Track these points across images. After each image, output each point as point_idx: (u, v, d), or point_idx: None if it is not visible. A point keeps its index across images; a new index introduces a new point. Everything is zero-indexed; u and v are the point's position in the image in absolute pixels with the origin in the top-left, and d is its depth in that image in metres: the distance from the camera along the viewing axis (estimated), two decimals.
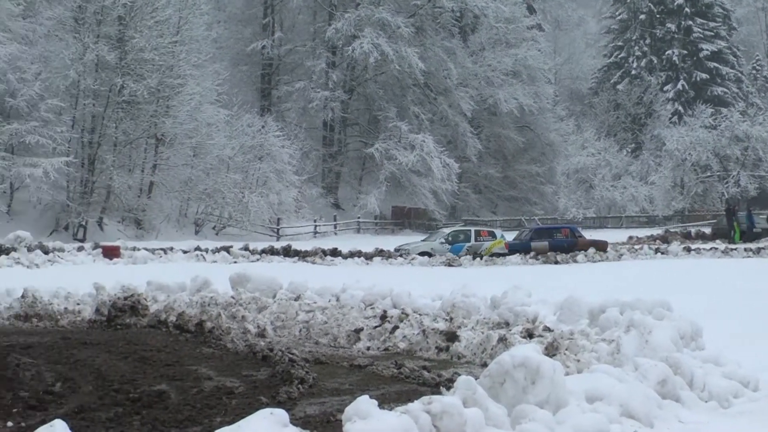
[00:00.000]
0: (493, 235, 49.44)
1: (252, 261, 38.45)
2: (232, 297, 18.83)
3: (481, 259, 44.01)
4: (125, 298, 19.08)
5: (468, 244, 47.62)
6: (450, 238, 48.37)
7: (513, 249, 45.35)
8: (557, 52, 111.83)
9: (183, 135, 63.34)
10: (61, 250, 39.60)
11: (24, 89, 56.20)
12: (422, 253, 44.97)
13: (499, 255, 45.81)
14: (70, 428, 6.73)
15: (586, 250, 43.70)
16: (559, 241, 46.48)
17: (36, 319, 19.07)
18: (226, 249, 42.16)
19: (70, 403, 11.68)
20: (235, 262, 37.04)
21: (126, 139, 62.08)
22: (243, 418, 7.06)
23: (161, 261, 36.66)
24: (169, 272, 25.37)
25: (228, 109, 68.91)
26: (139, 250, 39.68)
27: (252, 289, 19.68)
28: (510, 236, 50.77)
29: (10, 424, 10.59)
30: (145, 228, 61.62)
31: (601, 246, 45.62)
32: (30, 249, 36.95)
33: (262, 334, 16.61)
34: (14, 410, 11.20)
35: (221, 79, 68.61)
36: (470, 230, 50.98)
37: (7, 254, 34.78)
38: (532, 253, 43.67)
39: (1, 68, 54.41)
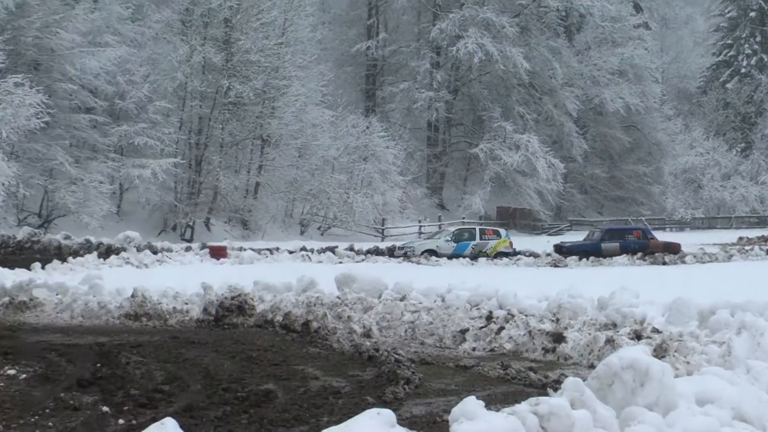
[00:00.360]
0: (498, 234, 48.55)
1: (357, 261, 38.59)
2: (338, 297, 18.89)
3: (487, 258, 43.56)
4: (232, 298, 19.25)
5: (473, 243, 46.79)
6: (454, 237, 47.50)
7: (582, 250, 44.45)
8: (664, 51, 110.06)
9: (288, 136, 63.77)
10: (170, 250, 40.16)
11: (133, 91, 57.09)
12: (427, 251, 44.37)
13: (504, 254, 45.32)
14: (180, 426, 6.77)
15: (658, 252, 42.92)
16: (630, 243, 45.50)
17: (145, 318, 19.33)
18: (332, 249, 42.39)
19: (179, 402, 11.81)
20: (341, 263, 37.19)
21: (232, 140, 62.72)
22: (350, 417, 7.04)
23: (267, 261, 36.96)
24: (275, 272, 25.56)
25: (333, 110, 69.16)
26: (245, 250, 40.07)
27: (357, 289, 19.71)
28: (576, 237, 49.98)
29: (121, 421, 10.75)
30: (251, 228, 62.17)
31: (673, 248, 44.59)
32: (139, 249, 37.53)
33: (367, 335, 16.62)
34: (125, 408, 11.37)
35: (326, 80, 68.88)
36: (475, 228, 50.10)
37: (117, 254, 35.36)
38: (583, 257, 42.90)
39: (111, 71, 55.33)
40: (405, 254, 43.18)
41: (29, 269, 26.33)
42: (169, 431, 6.50)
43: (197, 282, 20.90)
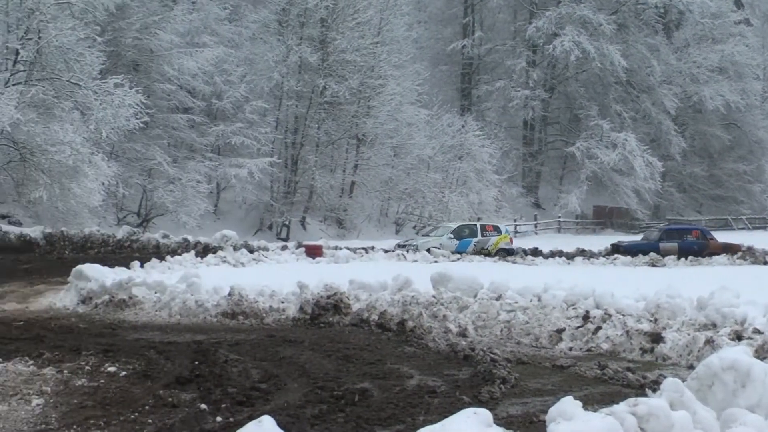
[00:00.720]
0: (498, 230, 47.57)
1: (452, 260, 38.46)
2: (434, 296, 18.84)
3: (489, 255, 42.89)
4: (328, 297, 19.32)
5: (475, 240, 46.00)
6: (456, 234, 46.62)
7: (639, 250, 43.61)
8: (766, 48, 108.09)
9: (384, 135, 63.90)
10: (266, 249, 40.46)
11: (230, 91, 57.65)
12: (432, 249, 43.73)
13: (505, 251, 44.58)
14: (277, 424, 6.79)
15: (717, 254, 42.01)
16: (689, 243, 44.62)
17: (242, 316, 19.49)
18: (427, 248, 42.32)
19: (276, 400, 11.87)
20: (436, 262, 37.12)
21: (328, 140, 63.01)
22: (446, 417, 7.00)
23: (362, 260, 37.04)
24: (371, 271, 25.59)
25: (428, 108, 69.16)
26: (341, 249, 40.20)
27: (453, 288, 19.65)
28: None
29: (219, 419, 10.84)
30: (347, 227, 62.43)
31: (733, 249, 43.54)
32: (236, 248, 37.83)
33: (463, 334, 16.56)
34: (223, 405, 11.47)
35: (421, 79, 68.86)
36: (476, 225, 49.03)
37: (214, 253, 35.68)
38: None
39: (209, 71, 55.92)
40: (408, 251, 42.37)
41: (128, 268, 26.69)
42: (267, 429, 6.52)
43: (293, 281, 21.00)
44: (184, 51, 54.78)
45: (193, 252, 35.26)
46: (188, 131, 57.25)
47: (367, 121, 62.38)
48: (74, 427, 10.52)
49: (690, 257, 41.31)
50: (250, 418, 9.62)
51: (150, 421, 10.84)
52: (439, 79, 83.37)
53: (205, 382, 12.92)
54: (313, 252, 38.19)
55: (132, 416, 11.03)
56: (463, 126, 71.00)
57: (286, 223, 59.85)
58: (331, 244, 44.59)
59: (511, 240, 47.50)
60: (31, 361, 14.37)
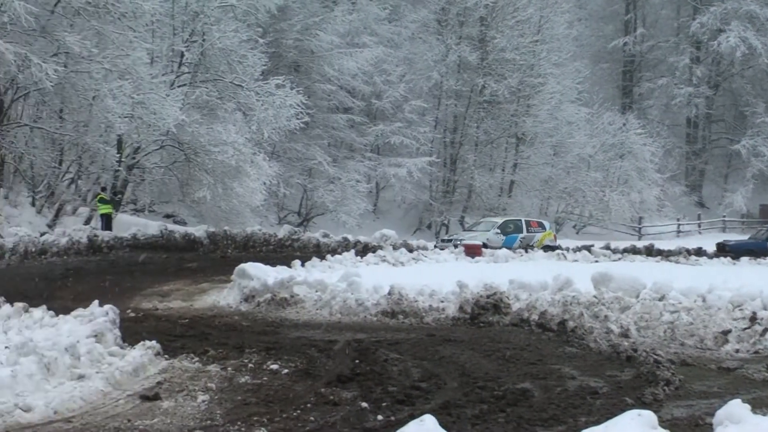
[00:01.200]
0: (542, 227, 45.96)
1: (613, 260, 37.88)
2: (595, 296, 18.58)
3: (534, 251, 41.35)
4: (488, 296, 19.24)
5: (521, 235, 44.48)
6: (502, 229, 45.02)
7: (747, 249, 41.81)
8: None
9: (543, 134, 63.47)
10: (425, 248, 40.47)
11: (389, 91, 57.98)
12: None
13: (550, 247, 42.97)
14: (438, 424, 6.76)
15: None
16: None
17: (402, 315, 19.53)
18: (587, 248, 41.79)
19: (436, 399, 11.87)
20: (597, 261, 36.61)
21: (487, 139, 62.84)
22: (608, 418, 6.89)
23: (522, 260, 36.76)
24: (530, 271, 25.41)
25: (588, 107, 68.39)
26: (500, 248, 40.00)
27: (615, 288, 19.34)
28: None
29: (380, 417, 10.87)
30: None
31: None
32: (395, 247, 37.95)
33: (625, 335, 16.29)
34: (383, 404, 11.51)
35: (582, 77, 68.08)
36: (521, 221, 47.19)
37: (374, 252, 35.84)
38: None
39: (368, 71, 56.32)
40: (455, 246, 41.18)
41: (290, 266, 26.99)
42: (429, 428, 6.51)
43: (453, 280, 20.97)
44: (344, 51, 55.31)
45: (353, 251, 35.50)
46: (348, 131, 57.79)
47: (527, 119, 62.00)
48: (238, 423, 10.69)
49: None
50: (411, 417, 9.62)
51: (312, 418, 10.95)
52: (599, 76, 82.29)
53: (366, 380, 12.99)
54: (473, 251, 38.03)
55: (294, 414, 11.15)
56: (624, 124, 70.00)
57: (445, 222, 59.93)
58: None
59: (555, 237, 46.51)
60: (197, 358, 14.67)
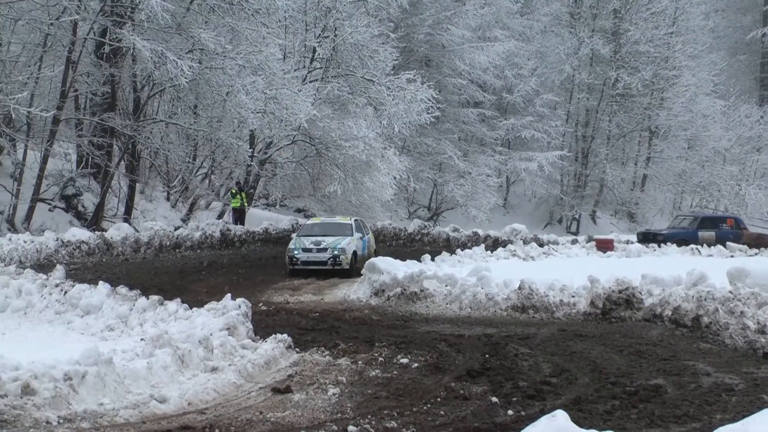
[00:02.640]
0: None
1: (750, 255, 37.07)
2: (730, 292, 18.15)
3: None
4: (620, 291, 19.00)
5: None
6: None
7: (679, 238, 40.26)
8: None
9: (677, 127, 62.45)
10: (556, 242, 40.20)
11: (520, 85, 57.70)
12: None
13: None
14: (570, 419, 6.68)
15: (750, 244, 38.41)
16: (725, 233, 41.36)
17: (532, 310, 19.40)
18: (722, 242, 41.00)
19: (567, 394, 11.75)
20: (732, 256, 35.85)
21: (619, 132, 62.13)
22: (744, 416, 6.72)
23: (654, 254, 36.20)
24: (663, 266, 24.99)
25: (724, 99, 67.07)
26: (632, 243, 39.47)
27: (751, 284, 18.87)
28: None
29: (510, 412, 10.82)
30: (638, 221, 61.43)
31: (763, 241, 39.82)
32: (525, 241, 37.79)
33: (762, 331, 15.88)
34: (513, 399, 11.45)
35: (718, 69, 66.78)
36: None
37: (504, 246, 35.71)
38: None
39: (499, 65, 56.13)
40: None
41: (420, 261, 27.02)
42: (561, 424, 6.43)
43: (584, 275, 20.75)
44: (475, 45, 55.21)
45: (482, 245, 35.41)
46: (478, 125, 57.68)
47: (660, 113, 61.10)
48: (369, 416, 10.72)
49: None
50: (542, 412, 9.55)
51: (442, 413, 10.93)
52: (736, 68, 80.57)
53: (496, 375, 12.93)
54: (604, 246, 37.62)
55: (424, 408, 11.15)
56: (762, 116, 68.54)
57: (576, 216, 59.42)
58: (623, 237, 43.88)
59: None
60: (327, 352, 14.77)
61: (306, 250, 27.53)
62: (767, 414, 6.33)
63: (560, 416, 6.59)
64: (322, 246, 27.65)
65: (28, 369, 11.27)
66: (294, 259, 27.51)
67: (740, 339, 15.24)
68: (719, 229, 42.62)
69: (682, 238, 41.10)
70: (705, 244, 38.87)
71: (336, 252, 27.44)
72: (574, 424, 6.67)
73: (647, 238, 42.09)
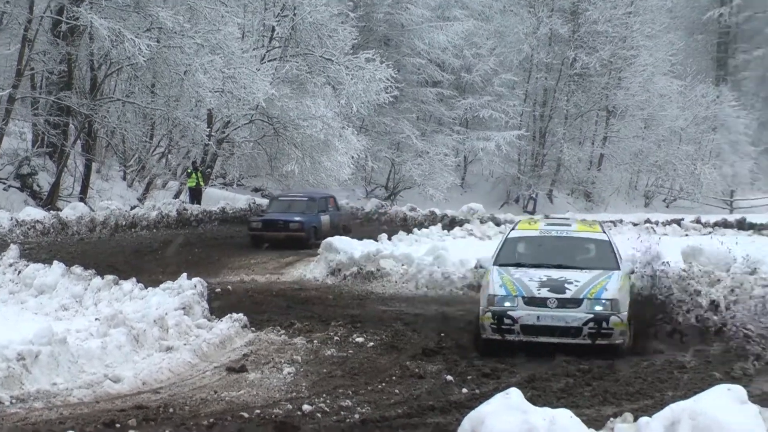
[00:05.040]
0: None
1: (703, 234, 37.34)
2: (684, 270, 18.31)
3: None
4: None
5: None
6: None
7: None
8: None
9: (634, 107, 62.65)
10: (512, 221, 40.28)
11: (479, 64, 57.63)
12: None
13: None
14: (524, 397, 6.73)
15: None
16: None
17: None
18: (677, 221, 41.28)
19: (521, 373, 11.86)
20: (686, 235, 36.15)
21: (576, 112, 62.27)
22: (696, 393, 6.79)
23: (614, 232, 36.43)
24: (619, 245, 25.11)
25: (681, 79, 67.32)
26: None
27: (704, 262, 19.08)
28: None
29: (464, 390, 10.92)
30: (594, 200, 61.69)
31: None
32: (482, 221, 37.84)
33: (714, 309, 16.02)
34: (468, 377, 11.55)
35: (675, 49, 66.93)
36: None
37: (461, 225, 35.79)
38: None
39: (458, 44, 56.03)
40: None
41: (376, 240, 27.03)
42: (514, 401, 6.47)
43: None
44: (434, 25, 55.11)
45: (440, 225, 35.51)
46: (437, 105, 57.65)
47: (618, 92, 61.26)
48: (324, 395, 10.76)
49: None
50: (496, 390, 9.61)
51: (397, 391, 10.99)
52: (693, 48, 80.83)
53: (451, 354, 13.01)
54: None
55: (379, 386, 11.21)
56: (717, 97, 69.00)
57: (533, 196, 59.59)
58: (579, 217, 44.09)
59: None
60: (283, 331, 14.80)
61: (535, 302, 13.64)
62: (717, 391, 6.40)
63: (514, 394, 6.64)
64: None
65: None
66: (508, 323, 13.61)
67: (693, 317, 15.37)
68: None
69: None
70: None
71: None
72: (529, 401, 6.71)
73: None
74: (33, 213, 31.00)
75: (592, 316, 13.11)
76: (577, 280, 13.77)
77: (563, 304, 13.30)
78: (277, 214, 30.94)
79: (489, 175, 59.86)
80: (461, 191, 57.89)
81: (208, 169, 43.54)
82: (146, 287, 16.52)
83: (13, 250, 20.75)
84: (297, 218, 30.05)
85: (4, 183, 36.24)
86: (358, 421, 9.82)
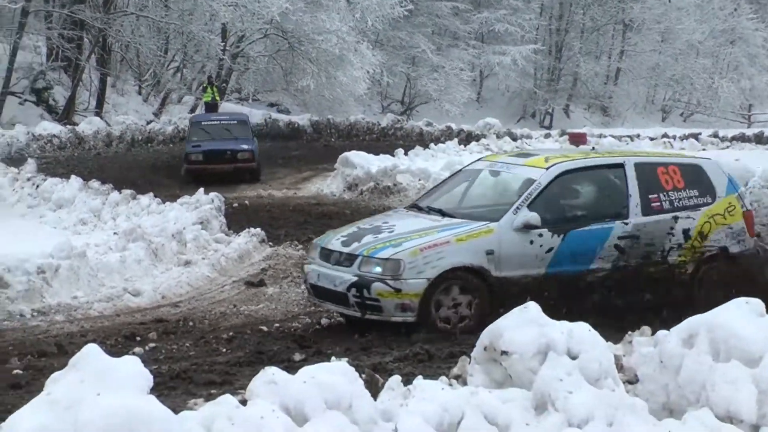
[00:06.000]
0: None
1: (721, 148, 37.27)
2: None
3: None
4: None
5: None
6: None
7: None
8: None
9: (651, 20, 62.03)
10: (529, 137, 40.26)
11: None
12: None
13: None
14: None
15: None
16: None
17: None
18: (695, 136, 41.16)
19: None
20: (704, 149, 36.05)
21: (593, 26, 61.73)
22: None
23: (629, 148, 36.34)
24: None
25: None
26: (605, 137, 39.53)
27: None
28: None
29: None
30: (611, 115, 61.39)
31: None
32: (498, 136, 37.81)
33: None
34: None
35: None
36: None
37: (477, 140, 35.75)
38: None
39: None
40: None
41: (393, 155, 27.02)
42: (532, 315, 6.50)
43: None
44: None
45: (456, 140, 35.44)
46: (452, 18, 57.13)
47: (635, 5, 60.60)
48: None
49: None
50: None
51: None
52: None
53: None
54: (577, 140, 37.67)
55: None
56: (735, 9, 68.16)
57: (549, 110, 59.34)
58: (595, 132, 43.93)
59: None
60: (300, 246, 14.85)
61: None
62: (735, 303, 6.40)
63: (532, 307, 6.66)
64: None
65: (0, 262, 11.30)
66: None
67: None
68: None
69: None
70: None
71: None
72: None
73: None
74: (49, 127, 31.04)
75: (356, 279, 10.25)
76: (407, 231, 10.74)
77: (339, 260, 10.64)
78: (215, 142, 25.94)
79: (505, 90, 59.49)
80: (477, 106, 57.62)
81: (224, 84, 43.36)
82: (164, 202, 16.58)
83: (31, 165, 20.83)
84: (244, 146, 25.59)
85: (20, 97, 36.20)
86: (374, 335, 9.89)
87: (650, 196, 11.18)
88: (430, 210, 11.27)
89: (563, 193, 11.25)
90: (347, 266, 10.33)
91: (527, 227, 10.41)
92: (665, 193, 11.31)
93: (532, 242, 10.47)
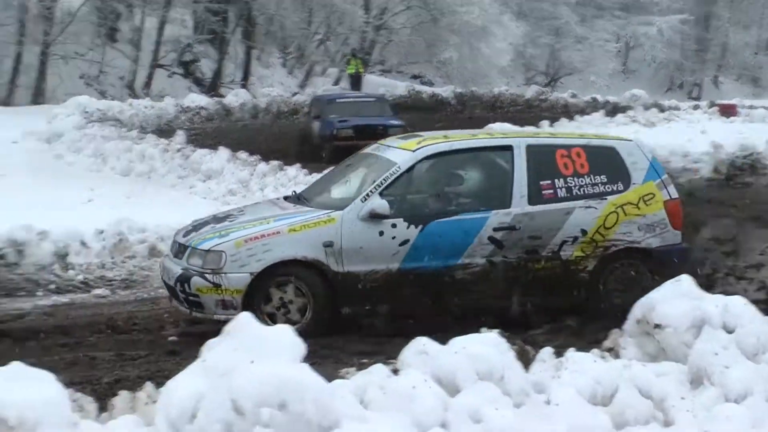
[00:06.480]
0: None
1: None
2: None
3: None
4: (744, 157, 18.63)
5: None
6: None
7: None
8: None
9: None
10: (677, 108, 39.53)
11: None
12: None
13: None
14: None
15: None
16: None
17: None
18: None
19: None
20: None
21: None
22: None
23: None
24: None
25: None
26: (756, 108, 38.60)
27: None
28: None
29: None
30: (763, 86, 59.99)
31: None
32: (646, 107, 37.23)
33: None
34: None
35: None
36: None
37: (624, 112, 35.30)
38: None
39: None
40: None
41: (537, 127, 26.83)
42: (685, 288, 6.37)
43: (706, 141, 20.38)
44: None
45: (602, 111, 35.05)
46: None
47: None
48: None
49: None
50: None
51: None
52: None
53: None
54: (727, 111, 36.85)
55: None
56: None
57: (698, 81, 58.26)
58: (746, 102, 42.91)
59: None
60: None
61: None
62: None
63: (685, 280, 6.56)
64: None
65: (154, 231, 11.58)
66: None
67: None
68: None
69: None
70: None
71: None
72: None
73: None
74: (197, 99, 31.64)
75: (181, 272, 9.22)
76: (247, 220, 9.68)
77: (177, 252, 9.63)
78: (362, 118, 24.54)
79: (651, 60, 58.66)
80: (623, 77, 56.95)
81: (367, 56, 43.61)
82: (310, 173, 16.69)
83: (180, 136, 21.25)
84: (395, 121, 24.22)
85: (168, 70, 36.99)
86: None
87: (542, 183, 9.78)
88: (299, 198, 10.19)
89: (428, 179, 10.01)
90: (179, 258, 9.36)
91: (374, 216, 9.22)
92: (563, 179, 9.86)
93: (382, 233, 9.29)
